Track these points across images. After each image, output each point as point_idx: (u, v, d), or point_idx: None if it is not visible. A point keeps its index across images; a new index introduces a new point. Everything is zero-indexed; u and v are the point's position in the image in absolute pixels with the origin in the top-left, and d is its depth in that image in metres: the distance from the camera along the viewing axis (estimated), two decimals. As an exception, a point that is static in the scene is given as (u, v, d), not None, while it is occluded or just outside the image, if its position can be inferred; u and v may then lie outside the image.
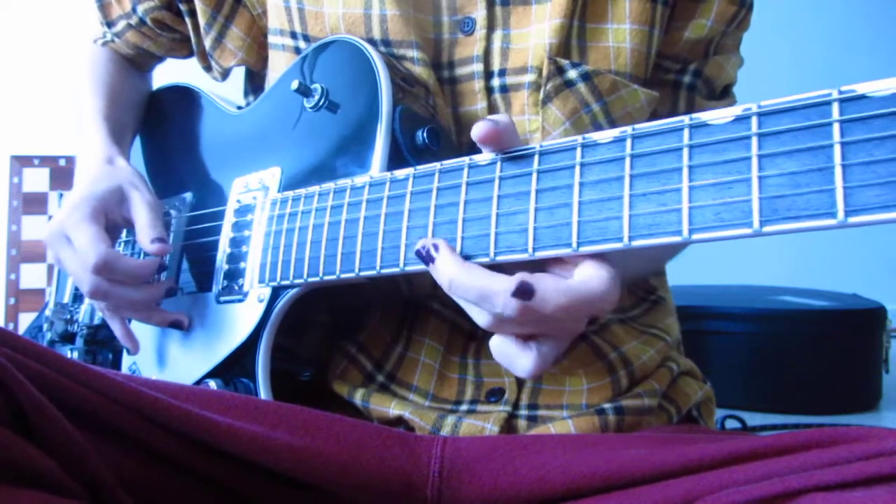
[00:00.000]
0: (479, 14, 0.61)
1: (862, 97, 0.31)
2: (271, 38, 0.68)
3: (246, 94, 0.80)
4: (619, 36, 0.61)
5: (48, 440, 0.39)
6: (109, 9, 0.80)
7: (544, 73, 0.59)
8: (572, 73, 0.60)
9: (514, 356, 0.44)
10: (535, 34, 0.60)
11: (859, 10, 2.39)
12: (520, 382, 0.60)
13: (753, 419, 1.41)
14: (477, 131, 0.44)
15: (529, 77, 0.60)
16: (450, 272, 0.43)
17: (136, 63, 0.85)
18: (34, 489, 0.37)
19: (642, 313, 0.70)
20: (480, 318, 0.44)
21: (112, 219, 0.65)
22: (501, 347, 0.44)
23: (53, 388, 0.40)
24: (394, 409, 0.58)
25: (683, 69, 0.67)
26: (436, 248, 0.45)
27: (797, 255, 2.17)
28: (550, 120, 0.60)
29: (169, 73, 0.87)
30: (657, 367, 0.65)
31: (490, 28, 0.61)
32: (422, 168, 0.49)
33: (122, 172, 0.68)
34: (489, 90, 0.61)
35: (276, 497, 0.48)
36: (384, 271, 0.49)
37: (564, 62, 0.60)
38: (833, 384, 1.58)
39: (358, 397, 0.60)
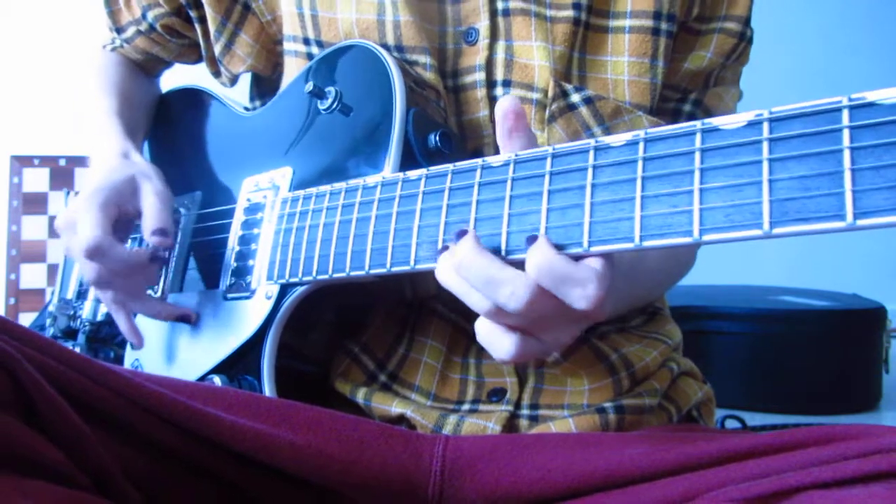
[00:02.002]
0: (483, 24, 0.62)
1: (871, 104, 0.32)
2: (285, 45, 0.69)
3: (252, 100, 0.80)
4: (618, 68, 0.63)
5: (56, 431, 0.39)
6: (119, 15, 0.80)
7: (549, 94, 0.61)
8: (575, 97, 0.61)
9: (496, 336, 0.43)
10: (539, 54, 0.61)
11: (859, 14, 2.40)
12: (521, 382, 0.61)
13: (753, 419, 1.42)
14: (504, 104, 0.44)
15: (536, 95, 0.61)
16: (463, 251, 0.43)
17: (144, 68, 0.85)
18: (41, 479, 0.37)
19: (641, 324, 0.70)
20: (479, 304, 0.43)
21: (125, 210, 0.65)
22: (487, 327, 0.44)
23: (61, 380, 0.41)
24: (396, 407, 0.59)
25: (683, 98, 0.68)
26: (464, 233, 0.44)
27: (797, 255, 2.18)
28: (556, 138, 0.61)
29: (179, 75, 0.87)
30: (658, 368, 0.65)
31: (493, 38, 0.62)
32: (434, 169, 0.49)
33: (137, 165, 0.68)
34: (492, 99, 0.62)
35: (278, 494, 0.49)
36: (394, 269, 0.49)
37: (568, 86, 0.61)
38: (833, 384, 1.58)
39: (360, 396, 0.61)
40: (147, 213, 0.64)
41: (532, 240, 0.41)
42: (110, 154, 0.70)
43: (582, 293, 0.39)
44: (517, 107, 0.45)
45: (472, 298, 0.43)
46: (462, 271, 0.42)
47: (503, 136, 0.46)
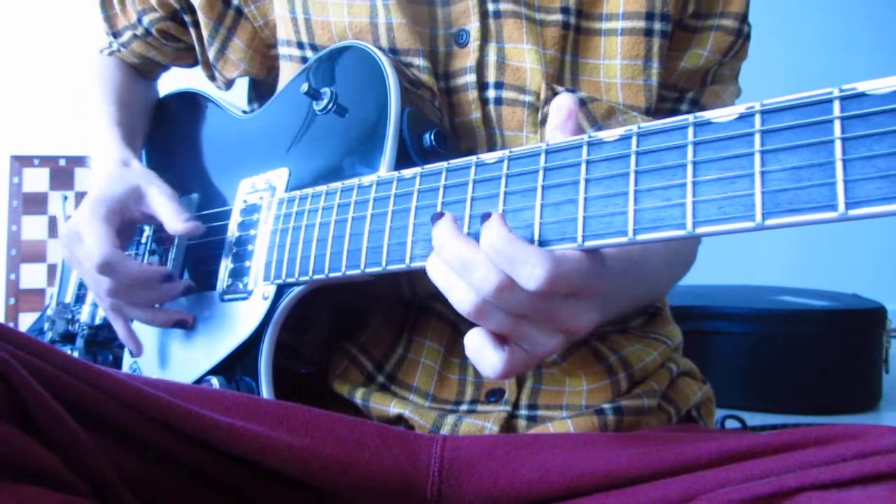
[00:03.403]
0: (473, 26, 0.62)
1: (862, 95, 0.32)
2: (280, 49, 0.69)
3: (250, 102, 0.81)
4: (610, 71, 0.62)
5: (51, 436, 0.39)
6: (115, 19, 0.81)
7: (541, 96, 0.61)
8: None
9: (484, 351, 0.43)
10: (530, 57, 0.61)
11: (857, 11, 2.40)
12: (519, 383, 0.61)
13: (753, 419, 1.41)
14: (561, 102, 0.44)
15: (528, 98, 0.61)
16: (444, 234, 0.42)
17: (141, 71, 0.86)
18: (37, 485, 0.37)
19: (642, 324, 0.70)
20: (463, 298, 0.42)
21: (129, 217, 0.66)
22: (475, 342, 0.43)
23: (56, 385, 0.41)
24: (394, 408, 0.59)
25: (680, 98, 0.68)
26: (441, 216, 0.44)
27: (797, 254, 2.18)
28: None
29: (177, 78, 0.88)
30: (657, 369, 0.65)
31: (484, 40, 0.62)
32: (429, 167, 0.49)
33: (137, 173, 0.69)
34: (483, 101, 0.62)
35: (277, 496, 0.48)
36: (390, 268, 0.49)
37: (560, 88, 0.61)
38: (833, 384, 1.58)
39: (358, 396, 0.61)
40: (165, 213, 0.65)
41: (485, 217, 0.41)
42: (110, 163, 0.71)
43: (531, 272, 0.39)
44: (573, 106, 0.44)
45: (456, 294, 0.43)
46: (441, 253, 0.42)
47: (549, 128, 0.46)
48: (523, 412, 0.59)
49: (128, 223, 0.66)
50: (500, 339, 0.43)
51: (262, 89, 0.77)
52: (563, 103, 0.44)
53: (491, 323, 0.42)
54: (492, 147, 0.62)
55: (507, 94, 0.61)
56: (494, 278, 0.40)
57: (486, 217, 0.42)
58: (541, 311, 0.41)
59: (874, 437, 0.41)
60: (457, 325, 0.63)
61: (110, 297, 0.63)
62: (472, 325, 0.63)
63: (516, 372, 0.44)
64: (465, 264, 0.41)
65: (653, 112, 0.64)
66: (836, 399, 1.58)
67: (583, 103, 0.61)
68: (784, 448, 0.43)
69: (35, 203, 1.63)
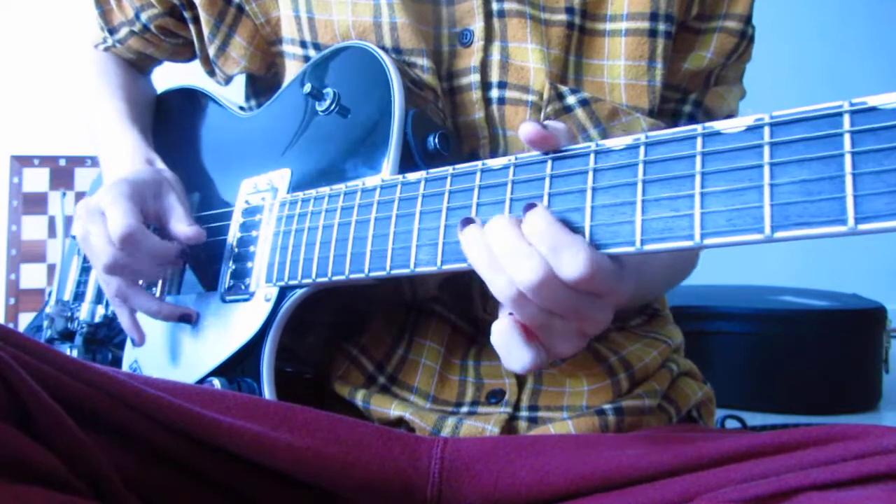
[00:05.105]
0: (478, 26, 0.62)
1: (873, 109, 0.32)
2: (284, 48, 0.69)
3: (247, 98, 0.80)
4: (614, 72, 0.62)
5: (52, 438, 0.39)
6: (111, 15, 0.80)
7: (545, 96, 0.60)
8: (571, 99, 0.61)
9: (514, 348, 0.43)
10: (534, 56, 0.61)
11: (859, 13, 2.39)
12: (520, 384, 0.61)
13: (753, 419, 1.42)
14: (525, 132, 0.43)
15: (531, 97, 0.61)
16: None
17: (136, 66, 0.85)
18: (37, 485, 0.37)
19: (642, 324, 0.70)
20: (503, 286, 0.41)
21: (145, 209, 0.65)
22: (505, 336, 0.43)
23: (56, 385, 0.41)
24: (394, 410, 0.59)
25: (683, 99, 0.68)
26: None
27: (797, 255, 2.18)
28: None
29: (176, 74, 0.87)
30: (658, 369, 0.65)
31: (488, 40, 0.62)
32: (434, 171, 0.49)
33: (165, 174, 0.69)
34: (487, 101, 0.62)
35: (277, 497, 0.49)
36: (394, 272, 0.49)
37: (564, 88, 0.61)
38: (833, 384, 1.59)
39: (359, 398, 0.60)
40: (177, 213, 0.65)
41: (530, 206, 0.41)
42: (133, 160, 0.71)
43: (573, 258, 0.39)
44: (531, 135, 0.43)
45: (497, 283, 0.42)
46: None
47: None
48: (524, 413, 0.59)
49: (143, 213, 0.65)
50: (529, 334, 0.43)
51: (259, 85, 0.77)
52: (523, 135, 0.43)
53: (524, 313, 0.42)
54: (495, 147, 0.62)
55: (510, 93, 0.61)
56: (539, 270, 0.39)
57: (530, 206, 0.41)
58: (570, 308, 0.41)
59: (874, 437, 0.41)
60: (457, 326, 0.63)
61: (115, 273, 0.62)
62: (472, 326, 0.64)
63: (542, 366, 0.44)
64: (512, 252, 0.40)
65: (656, 114, 0.64)
66: (836, 399, 1.58)
67: (586, 103, 0.61)
68: (784, 448, 0.43)
69: (35, 203, 1.63)
